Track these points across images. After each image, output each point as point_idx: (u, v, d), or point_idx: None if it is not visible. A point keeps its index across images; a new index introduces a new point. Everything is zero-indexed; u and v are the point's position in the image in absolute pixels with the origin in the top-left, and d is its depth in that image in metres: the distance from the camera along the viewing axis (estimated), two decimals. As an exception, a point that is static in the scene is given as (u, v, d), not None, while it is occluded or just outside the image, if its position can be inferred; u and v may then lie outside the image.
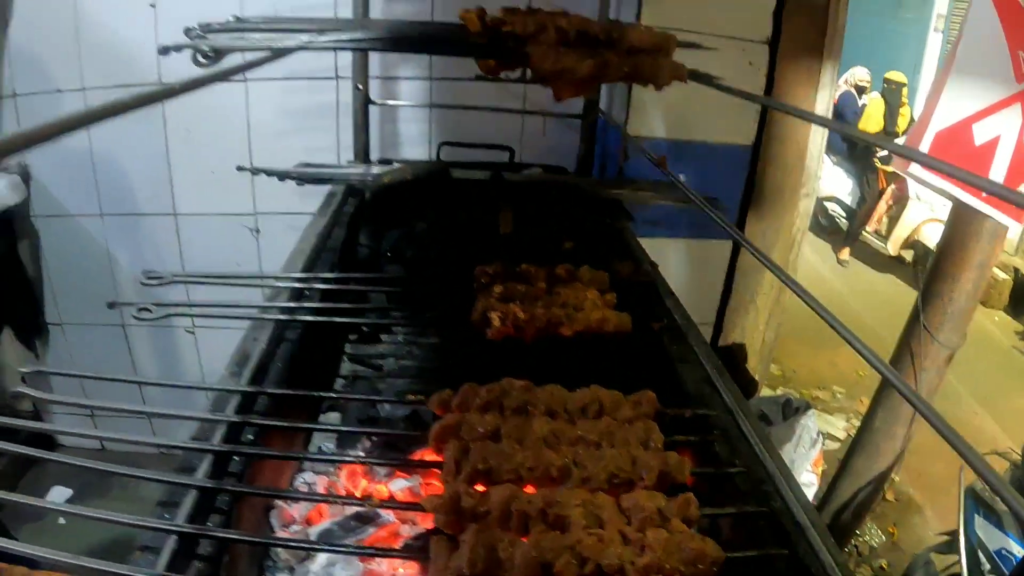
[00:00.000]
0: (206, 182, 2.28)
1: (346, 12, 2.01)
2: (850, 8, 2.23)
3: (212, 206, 2.32)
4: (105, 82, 2.19)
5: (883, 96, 5.88)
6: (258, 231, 2.33)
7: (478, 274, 1.16)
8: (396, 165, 1.79)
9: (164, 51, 0.99)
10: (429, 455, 0.85)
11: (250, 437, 0.90)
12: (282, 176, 1.70)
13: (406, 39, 1.12)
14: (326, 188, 1.90)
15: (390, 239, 1.42)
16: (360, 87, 1.91)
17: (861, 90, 6.18)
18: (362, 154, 1.95)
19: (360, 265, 1.44)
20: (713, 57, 1.29)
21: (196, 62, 1.02)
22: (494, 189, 1.62)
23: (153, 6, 2.11)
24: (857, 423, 2.86)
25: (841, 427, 3.57)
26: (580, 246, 1.49)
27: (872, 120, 5.77)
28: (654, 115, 2.10)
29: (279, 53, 1.09)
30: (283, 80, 2.12)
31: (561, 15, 1.18)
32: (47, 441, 2.19)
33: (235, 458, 0.87)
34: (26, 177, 2.42)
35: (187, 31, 1.08)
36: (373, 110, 2.01)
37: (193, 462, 0.84)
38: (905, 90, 5.91)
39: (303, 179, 1.69)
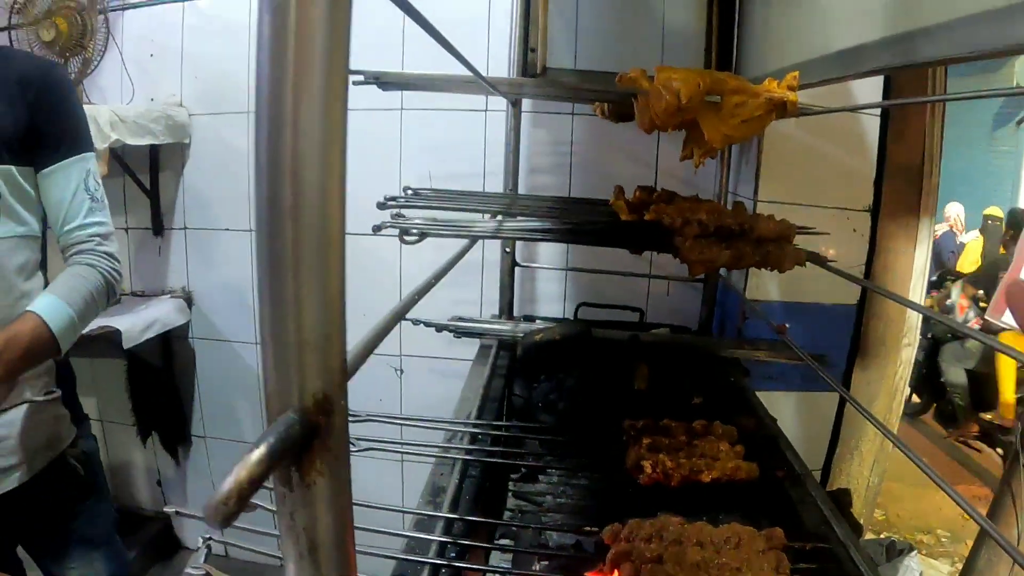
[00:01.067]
0: (357, 323, 2.59)
1: (494, 182, 2.39)
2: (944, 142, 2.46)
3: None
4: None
5: (983, 233, 5.89)
6: (402, 371, 2.64)
7: (627, 427, 1.42)
8: (539, 323, 2.09)
9: (376, 229, 1.31)
10: (595, 576, 1.09)
11: (452, 555, 1.16)
12: (440, 328, 2.02)
13: (582, 233, 1.42)
14: (475, 340, 2.23)
15: (542, 391, 1.68)
16: (508, 250, 2.25)
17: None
18: (507, 310, 2.27)
19: (517, 413, 1.71)
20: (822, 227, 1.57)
21: (402, 240, 1.34)
22: (630, 348, 1.89)
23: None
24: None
25: (946, 571, 3.57)
26: (707, 401, 1.73)
27: (971, 259, 5.78)
28: (770, 280, 2.35)
29: (473, 240, 1.41)
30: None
31: (698, 204, 1.47)
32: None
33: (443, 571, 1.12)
34: (189, 302, 2.84)
35: (381, 205, 1.40)
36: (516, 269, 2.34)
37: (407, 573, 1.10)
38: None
39: (459, 332, 2.00)
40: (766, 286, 2.36)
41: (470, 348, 2.54)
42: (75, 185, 1.48)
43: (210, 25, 2.75)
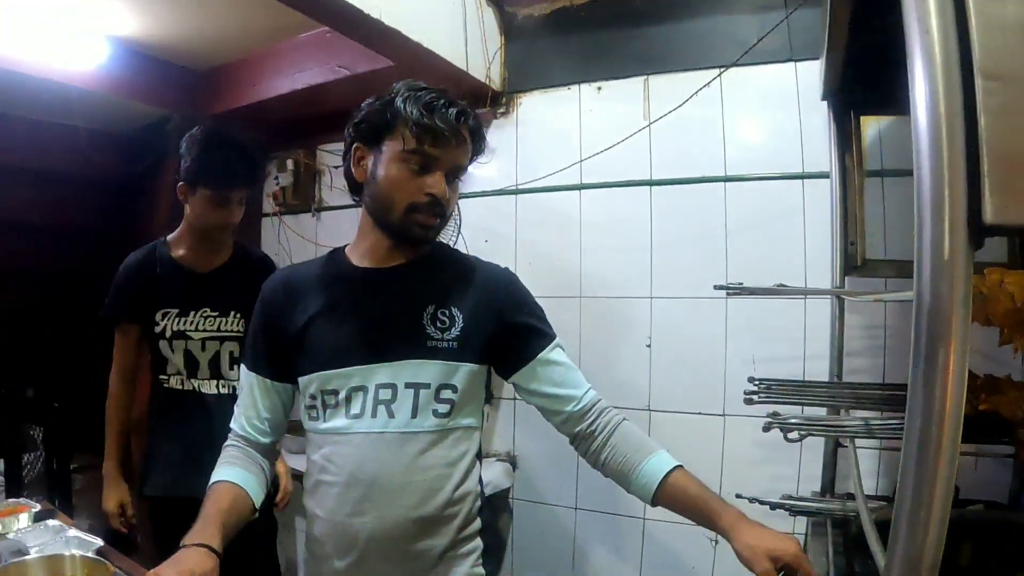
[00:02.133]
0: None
1: (814, 366, 2.61)
2: None
3: (677, 517, 2.87)
4: None
5: None
6: (716, 542, 2.84)
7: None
8: (858, 501, 2.23)
9: (767, 428, 1.59)
10: None
11: None
12: (774, 506, 2.23)
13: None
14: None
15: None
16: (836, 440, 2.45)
17: None
18: (829, 488, 2.45)
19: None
20: None
21: (786, 439, 1.60)
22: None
23: (648, 346, 2.89)
24: None
25: None
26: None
27: None
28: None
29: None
30: (756, 417, 2.70)
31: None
32: None
33: None
34: (514, 465, 3.19)
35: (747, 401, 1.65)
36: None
37: None
38: None
39: (793, 511, 2.20)
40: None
41: (784, 523, 2.71)
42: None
43: (542, 216, 3.23)
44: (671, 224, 2.97)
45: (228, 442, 1.73)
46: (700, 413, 2.82)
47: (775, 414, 1.63)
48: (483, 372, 1.68)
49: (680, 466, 1.63)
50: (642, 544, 2.96)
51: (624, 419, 1.70)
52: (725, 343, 2.82)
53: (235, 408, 1.75)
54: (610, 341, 3.01)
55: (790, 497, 2.29)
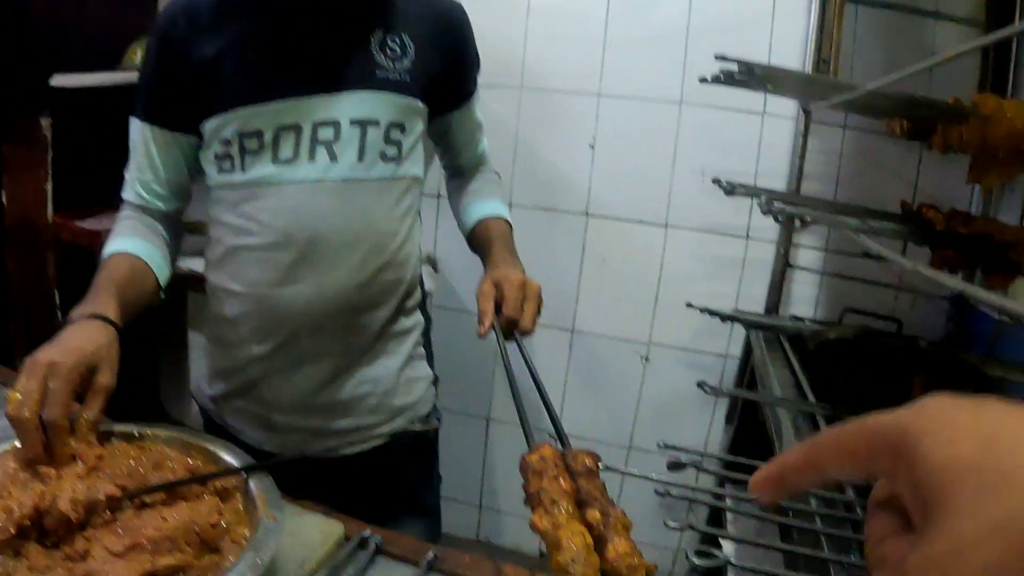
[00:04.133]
0: (609, 306, 2.87)
1: (766, 183, 2.60)
2: None
3: (608, 328, 2.90)
4: (531, 203, 2.87)
5: None
6: (647, 360, 2.88)
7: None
8: (808, 323, 2.30)
9: (770, 215, 1.54)
10: None
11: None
12: (725, 318, 2.25)
13: (930, 236, 1.62)
14: (723, 331, 2.48)
15: (840, 389, 1.87)
16: (783, 251, 2.47)
17: None
18: (774, 308, 2.49)
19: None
20: None
21: (792, 228, 1.56)
22: (907, 357, 2.08)
23: (592, 147, 2.81)
24: None
25: None
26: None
27: None
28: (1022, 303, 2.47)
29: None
30: (699, 232, 2.71)
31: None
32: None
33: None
34: (435, 267, 3.05)
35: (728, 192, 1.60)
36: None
37: None
38: None
39: (747, 324, 2.23)
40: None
41: (719, 342, 2.77)
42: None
43: None
44: (630, 21, 2.81)
45: (121, 214, 1.48)
46: (641, 222, 2.77)
47: (782, 209, 1.58)
48: (426, 114, 1.51)
49: (504, 219, 1.63)
50: (569, 356, 2.97)
51: (495, 173, 1.76)
52: (675, 152, 2.74)
53: (125, 174, 1.48)
54: (550, 137, 2.87)
55: (740, 312, 2.32)
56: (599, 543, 0.76)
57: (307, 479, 1.53)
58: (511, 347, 1.28)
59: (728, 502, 1.10)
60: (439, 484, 1.85)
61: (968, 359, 2.05)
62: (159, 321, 2.98)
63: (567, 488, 0.82)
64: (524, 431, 0.97)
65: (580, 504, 0.82)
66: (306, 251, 1.38)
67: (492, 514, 3.35)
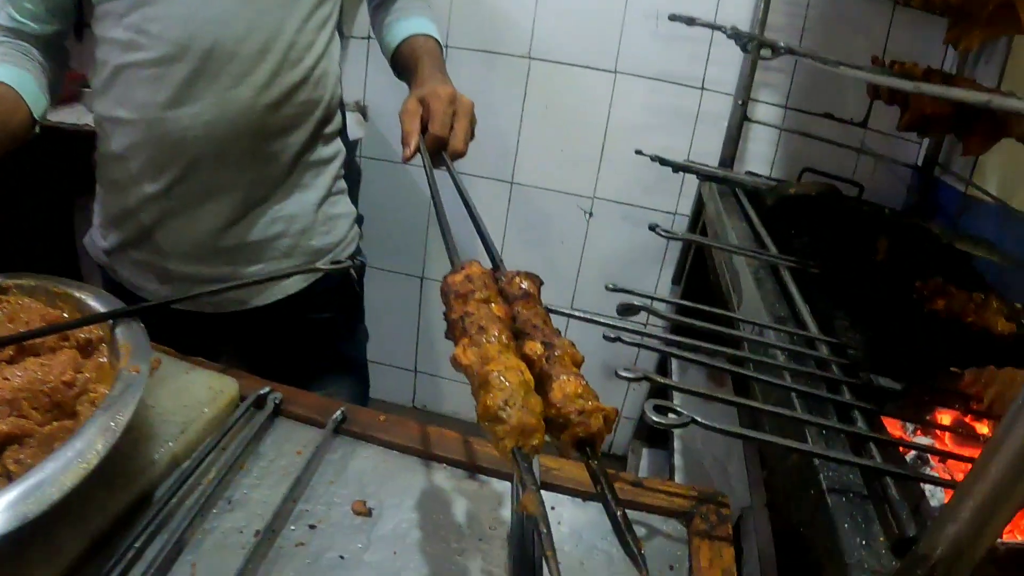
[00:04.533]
0: (552, 159, 2.68)
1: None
2: None
3: (551, 182, 2.72)
4: (469, 44, 2.62)
5: None
6: (591, 214, 2.73)
7: (920, 287, 1.52)
8: (765, 180, 2.15)
9: None
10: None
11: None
12: (678, 168, 2.09)
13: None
14: (673, 187, 2.35)
15: (801, 243, 1.75)
16: (741, 103, 2.30)
17: None
18: (729, 162, 2.34)
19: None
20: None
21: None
22: (872, 220, 1.96)
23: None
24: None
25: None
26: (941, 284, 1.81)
27: None
28: (991, 180, 2.37)
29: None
30: (651, 80, 2.52)
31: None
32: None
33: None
34: (364, 115, 2.83)
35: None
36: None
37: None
38: None
39: (702, 175, 2.08)
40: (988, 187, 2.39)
41: (669, 199, 2.63)
42: None
43: None
44: None
45: None
46: (588, 67, 2.56)
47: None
48: None
49: (433, 38, 1.47)
50: (507, 211, 2.79)
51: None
52: (627, -8, 2.52)
53: None
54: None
55: (692, 161, 2.17)
56: (541, 382, 0.60)
57: (214, 336, 1.40)
58: (442, 175, 1.12)
59: (689, 354, 0.95)
60: (365, 340, 1.71)
61: (933, 230, 1.96)
62: (73, 159, 2.73)
63: (500, 314, 0.66)
64: (449, 256, 0.81)
65: (517, 335, 0.65)
66: (203, 64, 1.18)
67: (428, 380, 3.24)
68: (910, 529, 0.75)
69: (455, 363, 0.62)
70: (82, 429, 0.70)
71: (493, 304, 0.67)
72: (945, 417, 1.09)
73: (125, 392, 0.77)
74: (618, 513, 0.53)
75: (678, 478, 1.98)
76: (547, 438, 0.57)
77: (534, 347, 0.63)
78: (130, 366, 0.81)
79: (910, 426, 1.07)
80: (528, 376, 0.59)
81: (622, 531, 0.52)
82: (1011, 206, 1.92)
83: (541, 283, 0.75)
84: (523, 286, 0.72)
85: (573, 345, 0.64)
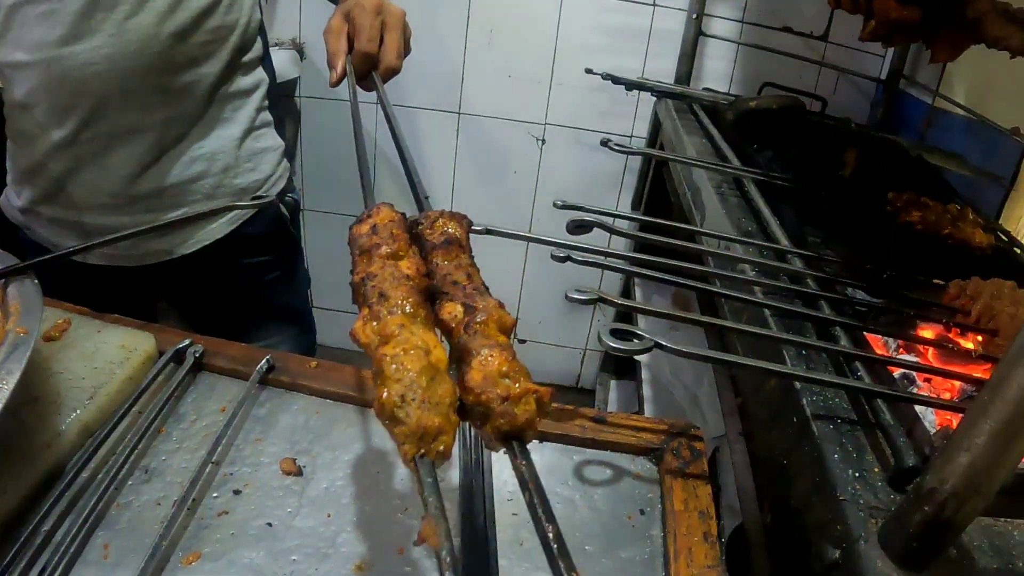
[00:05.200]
0: (500, 86, 2.55)
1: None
2: None
3: (500, 110, 2.59)
4: None
5: None
6: (543, 141, 2.61)
7: (893, 199, 1.43)
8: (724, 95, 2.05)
9: None
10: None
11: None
12: (631, 86, 1.98)
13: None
14: (627, 110, 2.23)
15: (765, 158, 1.65)
16: (695, 17, 2.18)
17: None
18: (685, 80, 2.23)
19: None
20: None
21: None
22: (839, 134, 1.88)
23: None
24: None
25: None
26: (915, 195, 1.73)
27: None
28: (959, 91, 2.29)
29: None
30: (600, -3, 2.39)
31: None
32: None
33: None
34: (301, 55, 2.69)
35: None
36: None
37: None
38: None
39: (656, 92, 1.96)
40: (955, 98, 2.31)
41: (623, 123, 2.51)
42: None
43: None
44: None
45: None
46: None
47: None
48: None
49: None
50: (456, 142, 2.65)
51: None
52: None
53: None
54: None
55: (646, 77, 2.06)
56: (459, 357, 0.49)
57: (144, 292, 1.32)
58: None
59: (649, 271, 0.84)
60: (307, 285, 1.61)
61: (901, 143, 1.88)
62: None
63: (411, 271, 0.54)
64: (364, 196, 0.72)
65: (434, 296, 0.54)
66: None
67: (375, 324, 3.08)
68: (908, 458, 0.66)
69: (355, 340, 0.51)
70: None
71: (403, 260, 0.56)
72: (927, 332, 1.01)
73: (8, 358, 0.65)
74: (549, 533, 0.42)
75: (648, 411, 1.91)
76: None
77: (453, 310, 0.52)
78: (17, 327, 0.70)
79: (892, 343, 0.98)
80: (438, 355, 0.48)
81: (554, 557, 0.41)
82: (981, 116, 1.84)
83: (470, 224, 0.63)
84: (448, 230, 0.60)
85: (502, 306, 0.53)
